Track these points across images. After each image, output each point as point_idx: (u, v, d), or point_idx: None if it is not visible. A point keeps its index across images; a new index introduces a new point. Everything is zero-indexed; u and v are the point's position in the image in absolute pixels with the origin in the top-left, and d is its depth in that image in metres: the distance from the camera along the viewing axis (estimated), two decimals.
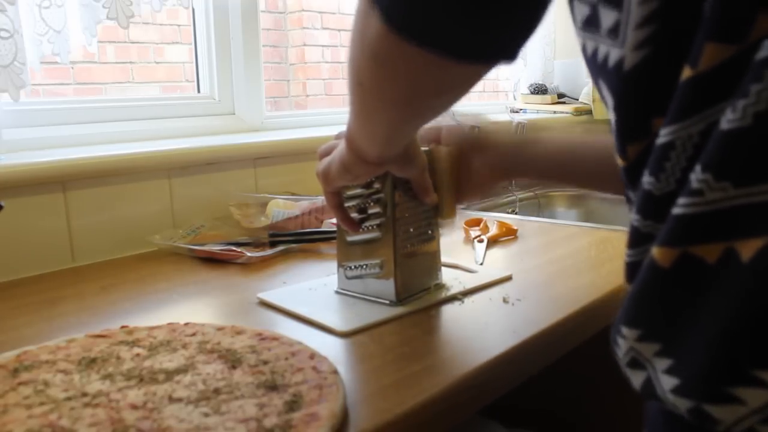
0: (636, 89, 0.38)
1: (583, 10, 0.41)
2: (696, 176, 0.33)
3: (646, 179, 0.37)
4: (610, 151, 0.68)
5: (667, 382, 0.35)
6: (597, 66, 0.41)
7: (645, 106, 0.38)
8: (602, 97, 0.43)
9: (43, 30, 0.94)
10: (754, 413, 0.31)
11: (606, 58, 0.39)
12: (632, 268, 0.39)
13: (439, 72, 0.41)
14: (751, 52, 0.32)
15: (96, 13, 0.98)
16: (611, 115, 0.41)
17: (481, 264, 0.87)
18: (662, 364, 0.35)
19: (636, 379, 0.38)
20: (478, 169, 0.73)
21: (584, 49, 0.42)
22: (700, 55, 0.33)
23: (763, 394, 0.31)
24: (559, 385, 1.05)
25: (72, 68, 1.63)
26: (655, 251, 0.35)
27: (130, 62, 1.76)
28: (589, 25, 0.40)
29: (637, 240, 0.39)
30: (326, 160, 0.64)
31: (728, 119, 0.32)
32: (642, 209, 0.38)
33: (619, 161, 0.42)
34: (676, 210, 0.34)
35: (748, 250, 0.32)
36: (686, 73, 0.34)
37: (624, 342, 0.38)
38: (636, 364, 0.37)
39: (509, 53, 0.40)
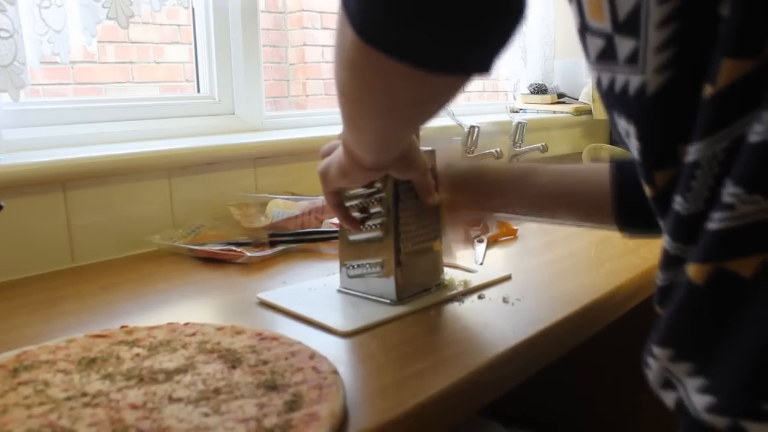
0: (660, 113, 0.38)
1: (597, 44, 0.41)
2: (727, 191, 0.33)
3: (676, 199, 0.37)
4: (599, 180, 0.68)
5: (699, 402, 0.34)
6: (615, 97, 0.40)
7: (670, 130, 0.38)
8: (618, 132, 0.43)
9: (43, 30, 0.94)
10: None
11: (625, 87, 0.39)
12: (663, 293, 0.39)
13: (413, 83, 0.41)
14: None
15: (96, 13, 0.98)
16: (634, 145, 0.41)
17: (481, 264, 0.87)
18: (694, 383, 0.35)
19: (668, 399, 0.37)
20: (468, 205, 0.73)
21: (599, 83, 0.42)
22: (718, 72, 0.33)
23: None
24: (559, 385, 1.05)
25: (72, 68, 1.63)
26: (690, 269, 0.35)
27: (130, 62, 1.77)
28: (604, 57, 0.40)
29: (668, 262, 0.38)
30: (326, 160, 0.64)
31: (756, 132, 0.31)
32: (671, 230, 0.38)
33: (648, 190, 0.41)
34: (710, 225, 0.34)
35: None
36: (707, 90, 0.34)
37: (655, 363, 0.37)
38: (668, 384, 0.37)
39: (483, 66, 0.39)
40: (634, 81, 0.38)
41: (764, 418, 0.31)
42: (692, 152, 0.35)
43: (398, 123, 0.50)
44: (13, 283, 0.84)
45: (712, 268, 0.34)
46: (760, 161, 0.31)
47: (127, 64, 1.76)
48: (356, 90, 0.45)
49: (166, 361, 0.54)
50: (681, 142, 0.37)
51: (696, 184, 0.35)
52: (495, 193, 0.72)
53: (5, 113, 0.95)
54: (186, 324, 0.62)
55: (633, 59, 0.38)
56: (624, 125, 0.41)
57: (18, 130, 0.98)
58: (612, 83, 0.40)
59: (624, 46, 0.38)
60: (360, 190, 0.70)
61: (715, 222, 0.33)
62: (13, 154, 0.92)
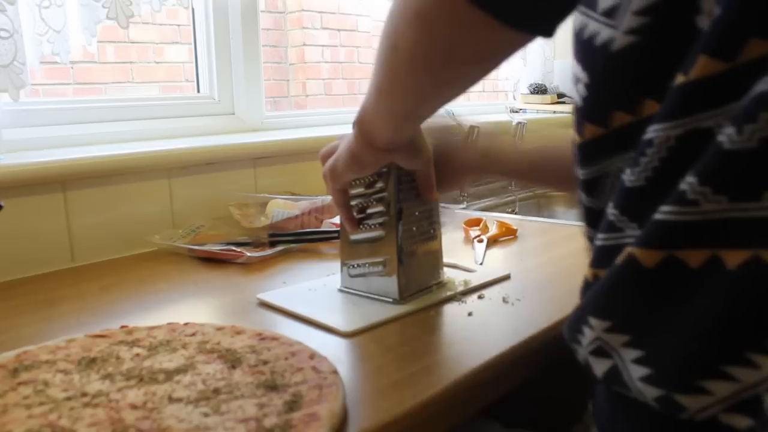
0: (615, 72, 0.41)
1: None
2: (691, 187, 0.35)
3: (626, 171, 0.39)
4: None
5: (636, 371, 0.37)
6: (581, 41, 0.43)
7: (615, 93, 0.41)
8: (573, 74, 0.45)
9: (43, 30, 0.94)
10: (718, 403, 0.35)
11: (593, 36, 0.41)
12: (602, 253, 0.42)
13: (481, 35, 0.42)
14: (741, 73, 0.34)
15: (96, 13, 0.98)
16: (579, 92, 0.43)
17: (481, 264, 0.87)
18: (630, 354, 0.38)
19: (599, 366, 0.40)
20: (455, 166, 0.74)
21: (573, 22, 0.44)
22: (693, 65, 0.35)
23: (729, 387, 0.34)
24: (559, 385, 1.05)
25: (72, 68, 1.63)
26: (638, 252, 0.37)
27: (130, 62, 1.76)
28: (585, 2, 0.42)
29: (608, 227, 0.41)
30: (332, 158, 0.64)
31: (732, 140, 0.33)
32: (616, 199, 0.40)
33: (576, 137, 0.44)
34: (664, 216, 0.36)
35: (733, 259, 0.34)
36: (678, 79, 0.36)
37: (590, 332, 0.40)
38: (601, 352, 0.40)
39: (551, 30, 0.41)
40: (604, 33, 0.40)
41: (695, 391, 0.35)
42: (650, 131, 0.37)
43: (442, 82, 0.49)
44: (13, 283, 0.84)
45: (662, 254, 0.36)
46: (732, 166, 0.34)
47: (127, 64, 1.76)
48: (415, 41, 0.45)
49: (166, 361, 0.54)
50: (617, 108, 0.40)
51: (644, 161, 0.38)
52: (480, 153, 0.76)
53: (5, 113, 0.95)
54: (186, 324, 0.62)
55: (610, 14, 0.40)
56: (578, 71, 0.43)
57: (18, 130, 0.98)
58: (582, 29, 0.42)
59: None
60: (361, 190, 0.70)
61: (670, 214, 0.35)
62: (13, 154, 0.92)
